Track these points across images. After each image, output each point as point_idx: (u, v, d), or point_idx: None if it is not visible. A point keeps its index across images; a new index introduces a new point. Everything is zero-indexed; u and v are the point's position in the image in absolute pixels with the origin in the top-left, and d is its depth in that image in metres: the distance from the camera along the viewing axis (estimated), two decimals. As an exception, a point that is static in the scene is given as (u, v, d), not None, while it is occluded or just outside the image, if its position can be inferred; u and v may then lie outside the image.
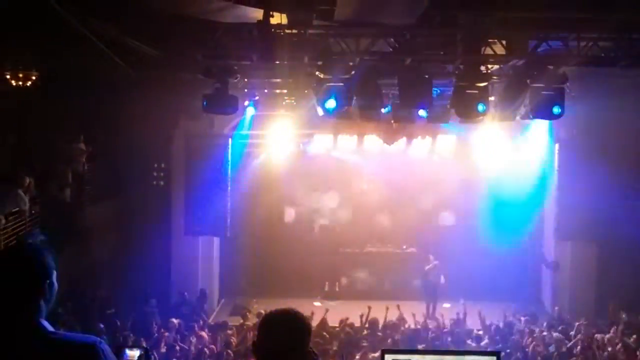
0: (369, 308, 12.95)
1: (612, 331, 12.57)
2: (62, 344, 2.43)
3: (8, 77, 11.11)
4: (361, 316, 12.96)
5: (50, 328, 2.46)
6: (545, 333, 12.82)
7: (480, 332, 12.73)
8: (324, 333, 12.36)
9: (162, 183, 15.48)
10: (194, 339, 12.32)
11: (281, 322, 2.61)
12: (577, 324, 12.80)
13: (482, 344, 12.04)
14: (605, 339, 12.22)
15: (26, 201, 10.77)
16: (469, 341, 12.25)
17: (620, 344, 11.99)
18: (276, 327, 2.60)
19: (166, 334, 12.22)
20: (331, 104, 10.21)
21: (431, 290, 15.84)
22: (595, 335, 12.49)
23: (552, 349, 11.99)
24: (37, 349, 2.39)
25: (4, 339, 2.39)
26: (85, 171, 13.98)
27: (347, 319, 13.04)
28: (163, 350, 11.61)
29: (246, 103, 13.79)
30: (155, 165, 15.56)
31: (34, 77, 11.23)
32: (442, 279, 15.92)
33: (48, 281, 2.48)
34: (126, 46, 9.31)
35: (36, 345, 2.40)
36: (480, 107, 10.36)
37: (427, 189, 17.16)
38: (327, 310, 13.58)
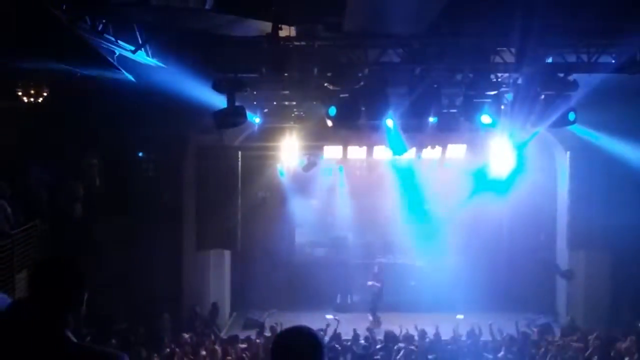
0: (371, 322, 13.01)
1: (628, 340, 12.39)
2: (89, 356, 2.48)
3: (20, 93, 11.20)
4: (368, 329, 12.95)
5: (74, 340, 2.49)
6: (560, 342, 12.67)
7: (495, 344, 12.59)
8: (337, 346, 12.29)
9: (171, 196, 15.47)
10: (205, 354, 12.25)
11: (294, 341, 2.58)
12: (594, 334, 12.64)
13: (499, 355, 11.91)
14: (622, 348, 12.05)
15: (8, 210, 10.70)
16: (484, 353, 12.12)
17: (637, 354, 11.81)
18: (289, 346, 2.57)
19: (177, 350, 12.17)
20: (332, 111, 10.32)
21: (374, 298, 15.98)
22: (612, 344, 12.32)
23: (568, 359, 11.84)
24: (66, 359, 2.43)
25: (34, 349, 2.42)
26: (96, 186, 14.02)
27: (355, 330, 13.02)
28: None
29: (257, 120, 13.83)
30: (166, 178, 15.58)
31: (45, 93, 11.31)
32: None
33: (79, 296, 2.54)
34: (136, 61, 9.34)
35: (65, 355, 2.44)
36: (490, 116, 10.34)
37: (437, 198, 17.07)
38: (338, 322, 13.52)
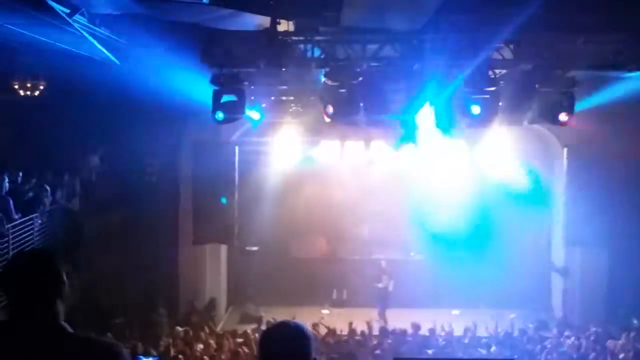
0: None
1: (623, 337, 12.44)
2: (86, 345, 2.46)
3: (16, 87, 11.17)
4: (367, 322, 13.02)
5: (70, 329, 2.48)
6: (556, 339, 12.72)
7: (490, 340, 12.63)
8: (332, 341, 12.32)
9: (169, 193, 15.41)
10: (201, 348, 12.26)
11: (280, 335, 2.57)
12: (592, 329, 12.70)
13: (492, 350, 11.94)
14: (618, 345, 12.10)
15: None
16: (479, 348, 12.16)
17: (632, 351, 11.86)
18: (276, 341, 2.56)
19: (173, 344, 12.16)
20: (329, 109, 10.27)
21: (382, 296, 15.91)
22: (608, 341, 12.37)
23: (564, 356, 11.88)
24: (63, 349, 2.42)
25: (29, 339, 2.41)
26: (93, 180, 13.99)
27: (350, 324, 13.12)
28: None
29: (255, 115, 13.73)
30: (162, 173, 15.55)
31: (41, 87, 11.28)
32: (391, 286, 16.06)
33: (62, 280, 2.52)
34: (134, 55, 9.33)
35: (61, 345, 2.43)
36: (488, 112, 10.32)
37: (434, 194, 17.05)
38: (321, 318, 13.62)
